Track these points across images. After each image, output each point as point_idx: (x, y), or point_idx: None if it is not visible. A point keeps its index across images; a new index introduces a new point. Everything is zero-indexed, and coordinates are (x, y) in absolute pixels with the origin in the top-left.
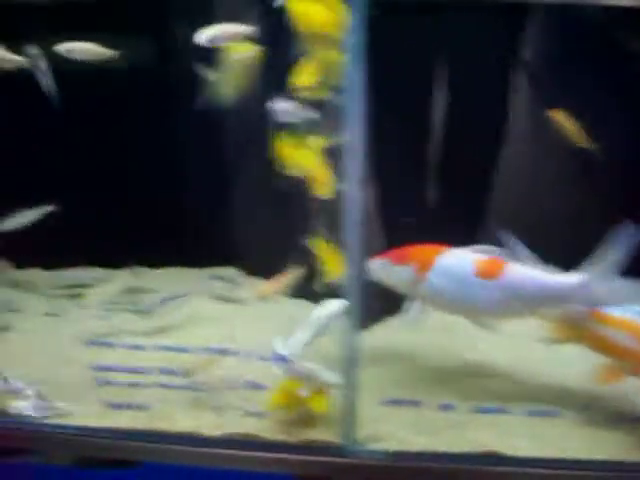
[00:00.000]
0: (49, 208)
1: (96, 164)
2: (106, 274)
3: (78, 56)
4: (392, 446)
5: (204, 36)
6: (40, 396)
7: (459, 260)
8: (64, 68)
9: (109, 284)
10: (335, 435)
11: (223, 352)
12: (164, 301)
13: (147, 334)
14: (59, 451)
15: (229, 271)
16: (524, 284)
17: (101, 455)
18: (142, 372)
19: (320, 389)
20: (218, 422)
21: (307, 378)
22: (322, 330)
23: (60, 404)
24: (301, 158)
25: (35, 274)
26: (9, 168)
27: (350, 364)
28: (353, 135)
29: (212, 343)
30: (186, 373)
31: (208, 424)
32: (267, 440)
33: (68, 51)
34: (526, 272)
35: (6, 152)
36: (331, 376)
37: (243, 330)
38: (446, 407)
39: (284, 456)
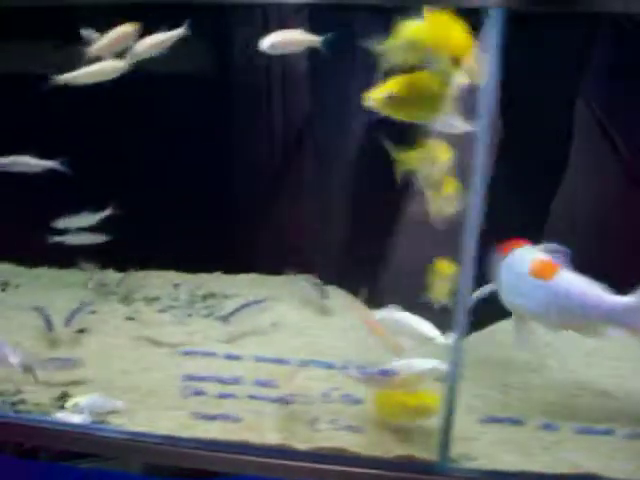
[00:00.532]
0: (108, 212)
1: (174, 167)
2: (182, 279)
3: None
4: (486, 465)
5: (266, 42)
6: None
7: (521, 257)
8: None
9: (185, 289)
10: (430, 452)
11: (314, 363)
12: (244, 307)
13: (228, 341)
14: (141, 459)
15: (308, 279)
16: (574, 292)
17: (185, 466)
18: (230, 382)
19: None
20: (309, 435)
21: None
22: None
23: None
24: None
25: (109, 276)
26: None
27: (452, 379)
28: (480, 153)
29: (298, 353)
30: (278, 384)
31: (299, 437)
32: (359, 455)
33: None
34: (580, 282)
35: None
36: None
37: (330, 340)
38: (547, 427)
39: (376, 472)
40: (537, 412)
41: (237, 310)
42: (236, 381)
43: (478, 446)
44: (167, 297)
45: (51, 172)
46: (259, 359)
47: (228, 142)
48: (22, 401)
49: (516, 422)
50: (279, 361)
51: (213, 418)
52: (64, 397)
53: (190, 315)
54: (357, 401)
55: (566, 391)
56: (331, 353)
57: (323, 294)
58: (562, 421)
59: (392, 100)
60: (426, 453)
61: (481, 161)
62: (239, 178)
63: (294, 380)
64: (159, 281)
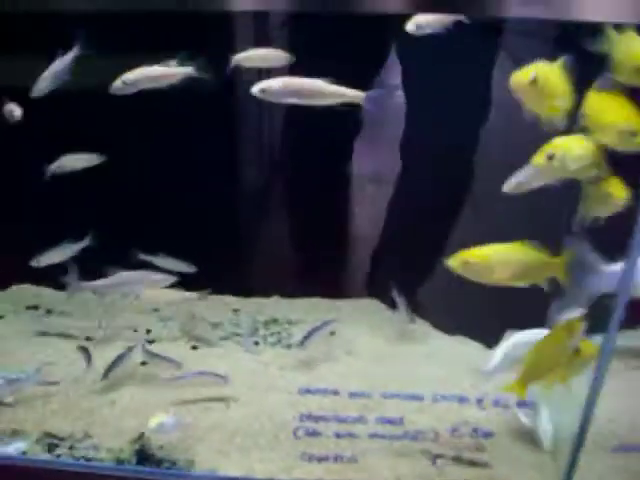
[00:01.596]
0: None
1: (229, 193)
2: (240, 304)
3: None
4: None
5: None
6: None
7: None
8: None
9: (246, 314)
10: None
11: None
12: (315, 331)
13: (306, 371)
14: None
15: (371, 304)
16: None
17: None
18: (350, 420)
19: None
20: (429, 471)
21: None
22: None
23: None
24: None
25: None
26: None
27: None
28: None
29: (388, 384)
30: (402, 421)
31: (416, 474)
32: None
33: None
34: None
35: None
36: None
37: (418, 368)
38: None
39: None
40: None
41: (309, 336)
42: (357, 419)
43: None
44: (228, 323)
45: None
46: (386, 395)
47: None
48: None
49: None
50: (396, 395)
51: (323, 459)
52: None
53: (257, 343)
54: (487, 434)
55: None
56: (426, 383)
57: (411, 318)
58: None
59: None
60: None
61: None
62: (292, 200)
63: (411, 415)
64: (216, 305)
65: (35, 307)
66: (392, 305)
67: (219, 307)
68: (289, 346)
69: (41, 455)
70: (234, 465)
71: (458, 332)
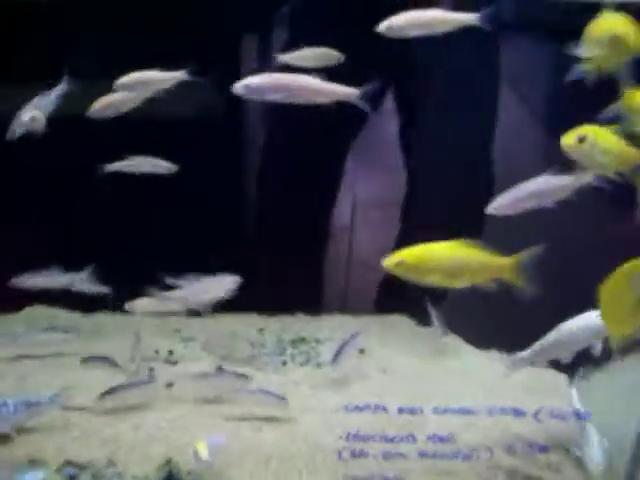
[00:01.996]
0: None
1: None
2: (265, 322)
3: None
4: None
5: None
6: None
7: None
8: None
9: (272, 333)
10: None
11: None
12: (344, 348)
13: (339, 390)
14: None
15: (400, 320)
16: None
17: None
18: (398, 440)
19: None
20: None
21: None
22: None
23: None
24: None
25: (181, 321)
26: None
27: None
28: None
29: (428, 401)
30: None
31: None
32: None
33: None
34: None
35: None
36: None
37: (457, 386)
38: None
39: None
40: None
41: (340, 352)
42: (406, 439)
43: None
44: (254, 343)
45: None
46: (438, 411)
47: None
48: None
49: None
50: (446, 411)
51: None
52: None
53: (285, 363)
54: (543, 449)
55: None
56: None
57: (444, 331)
58: None
59: None
60: None
61: None
62: (313, 217)
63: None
64: (240, 324)
65: (51, 328)
66: (422, 320)
67: (243, 326)
68: (319, 365)
69: None
70: None
71: (490, 346)
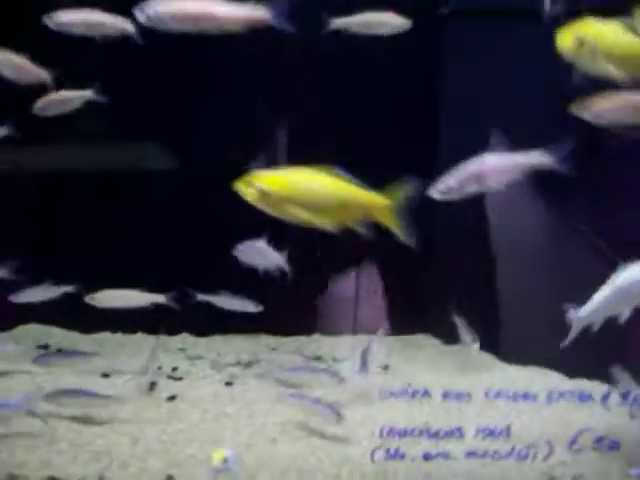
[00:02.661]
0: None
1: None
2: (277, 342)
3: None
4: None
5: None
6: None
7: None
8: None
9: (285, 353)
10: None
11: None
12: (366, 355)
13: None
14: None
15: (423, 338)
16: None
17: None
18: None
19: None
20: None
21: None
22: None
23: None
24: None
25: (187, 340)
26: None
27: None
28: None
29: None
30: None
31: None
32: None
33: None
34: None
35: None
36: None
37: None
38: None
39: None
40: None
41: (364, 360)
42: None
43: None
44: (265, 361)
45: None
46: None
47: None
48: None
49: None
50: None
51: None
52: None
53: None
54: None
55: None
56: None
57: (474, 338)
58: None
59: None
60: None
61: None
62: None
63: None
64: (248, 344)
65: (45, 346)
66: (448, 338)
67: (251, 346)
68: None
69: None
70: None
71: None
